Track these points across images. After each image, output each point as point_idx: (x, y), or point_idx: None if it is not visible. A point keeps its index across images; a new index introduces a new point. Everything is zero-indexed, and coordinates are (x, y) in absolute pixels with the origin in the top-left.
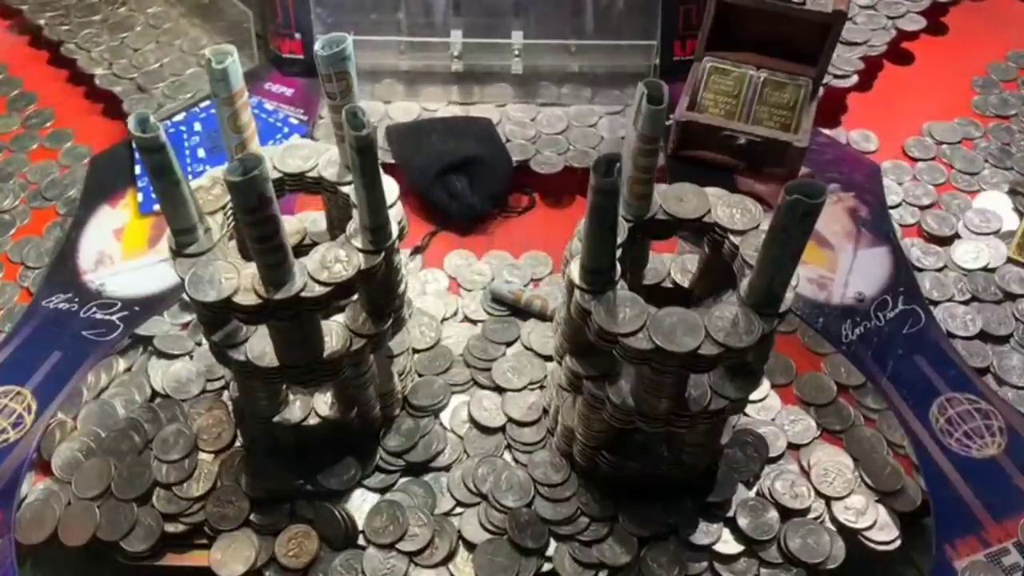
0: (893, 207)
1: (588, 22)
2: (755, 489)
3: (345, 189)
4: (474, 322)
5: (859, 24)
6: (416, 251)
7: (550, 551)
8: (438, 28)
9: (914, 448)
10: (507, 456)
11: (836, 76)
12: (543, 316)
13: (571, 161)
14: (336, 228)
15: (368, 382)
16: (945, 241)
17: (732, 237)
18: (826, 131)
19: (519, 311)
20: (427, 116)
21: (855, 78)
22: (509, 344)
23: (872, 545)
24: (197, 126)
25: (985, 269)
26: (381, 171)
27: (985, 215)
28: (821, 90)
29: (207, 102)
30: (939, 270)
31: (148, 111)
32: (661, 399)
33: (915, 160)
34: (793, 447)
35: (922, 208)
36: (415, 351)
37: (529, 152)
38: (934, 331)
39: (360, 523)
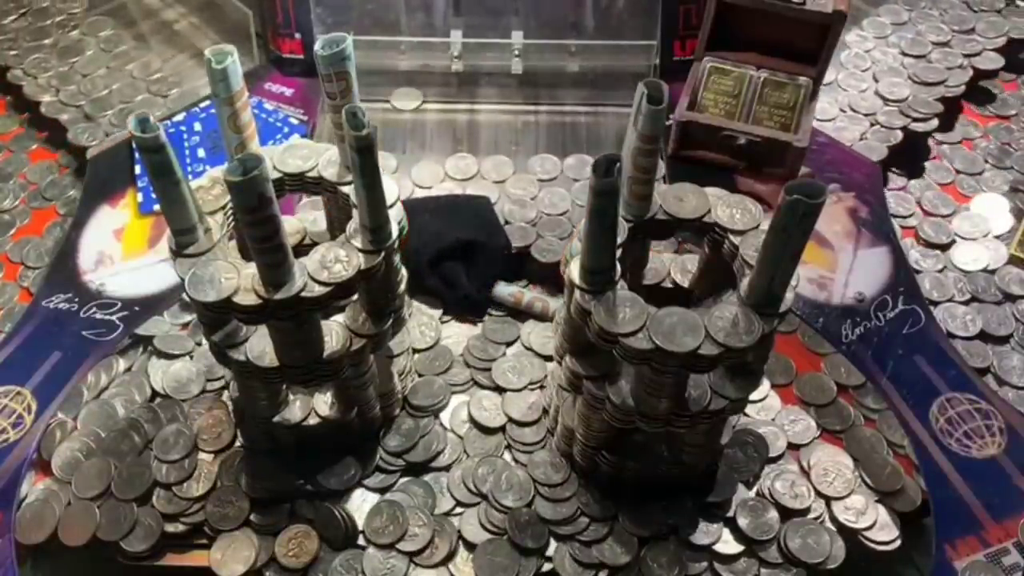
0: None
1: (588, 22)
2: (755, 489)
3: (345, 189)
4: (474, 322)
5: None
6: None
7: (550, 551)
8: (438, 28)
9: (914, 448)
10: (507, 456)
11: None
12: (544, 318)
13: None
14: (336, 228)
15: (368, 382)
16: (944, 247)
17: (732, 237)
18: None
19: (520, 313)
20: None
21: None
22: (509, 344)
23: (872, 545)
24: (197, 126)
25: (985, 271)
26: (381, 171)
27: (974, 220)
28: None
29: (207, 102)
30: (939, 271)
31: (147, 112)
32: (661, 399)
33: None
34: (793, 447)
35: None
36: (415, 351)
37: (530, 237)
38: (934, 331)
39: (360, 523)
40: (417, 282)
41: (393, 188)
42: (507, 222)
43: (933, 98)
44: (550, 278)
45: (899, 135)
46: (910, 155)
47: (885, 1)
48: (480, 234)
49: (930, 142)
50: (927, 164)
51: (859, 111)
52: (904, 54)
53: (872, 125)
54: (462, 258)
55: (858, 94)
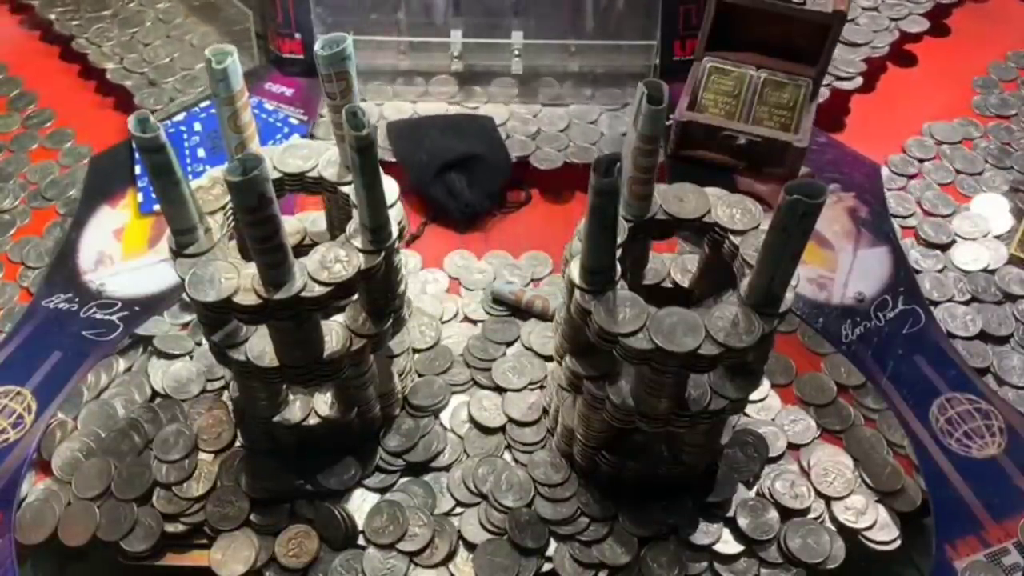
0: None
1: (588, 22)
2: (755, 489)
3: (345, 189)
4: (474, 322)
5: (861, 25)
6: (411, 240)
7: (550, 551)
8: (438, 28)
9: (914, 448)
10: (507, 456)
11: (839, 78)
12: (544, 316)
13: (571, 158)
14: (336, 228)
15: (368, 382)
16: (944, 247)
17: (732, 237)
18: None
19: (520, 311)
20: (427, 114)
21: (859, 80)
22: (509, 344)
23: (872, 545)
24: (197, 126)
25: (985, 271)
26: (381, 171)
27: (974, 220)
28: (825, 92)
29: (207, 102)
30: (939, 271)
31: (147, 112)
32: (661, 399)
33: (920, 160)
34: (793, 447)
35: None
36: (415, 351)
37: (529, 148)
38: (934, 331)
39: (360, 523)
40: (421, 192)
41: (393, 188)
42: (508, 136)
43: (859, 58)
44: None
45: (826, 93)
46: (835, 113)
47: None
48: (483, 148)
49: (930, 142)
50: (927, 164)
51: None
52: None
53: None
54: (466, 170)
55: None
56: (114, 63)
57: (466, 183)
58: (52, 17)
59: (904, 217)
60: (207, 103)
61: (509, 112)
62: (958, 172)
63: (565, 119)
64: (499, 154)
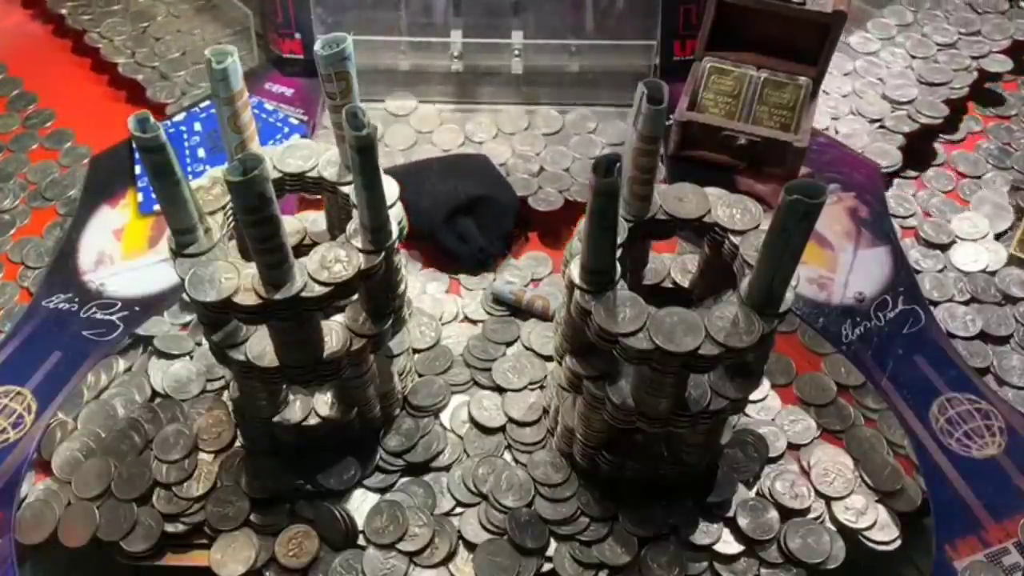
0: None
1: (588, 22)
2: (755, 489)
3: (345, 189)
4: (474, 322)
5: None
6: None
7: (550, 551)
8: (438, 28)
9: (914, 448)
10: (507, 456)
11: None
12: (544, 316)
13: (574, 196)
14: (336, 228)
15: (368, 382)
16: (944, 247)
17: (732, 237)
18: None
19: (520, 311)
20: (424, 155)
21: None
22: (509, 344)
23: (872, 545)
24: (197, 126)
25: (985, 271)
26: (381, 171)
27: (974, 221)
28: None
29: (207, 102)
30: (939, 271)
31: (147, 112)
32: (661, 399)
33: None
34: (793, 447)
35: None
36: (415, 351)
37: (531, 187)
38: (934, 331)
39: (360, 523)
40: (432, 241)
41: (393, 188)
42: (509, 175)
43: (939, 100)
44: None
45: (902, 139)
46: (917, 158)
47: (890, 2)
48: (488, 189)
49: (936, 147)
50: (930, 171)
51: (866, 115)
52: (911, 55)
53: (879, 128)
54: (473, 214)
55: (863, 98)
56: (125, 57)
57: (475, 226)
58: (64, 12)
59: (904, 217)
60: (207, 103)
61: (511, 149)
62: (960, 175)
63: (568, 157)
64: (504, 192)
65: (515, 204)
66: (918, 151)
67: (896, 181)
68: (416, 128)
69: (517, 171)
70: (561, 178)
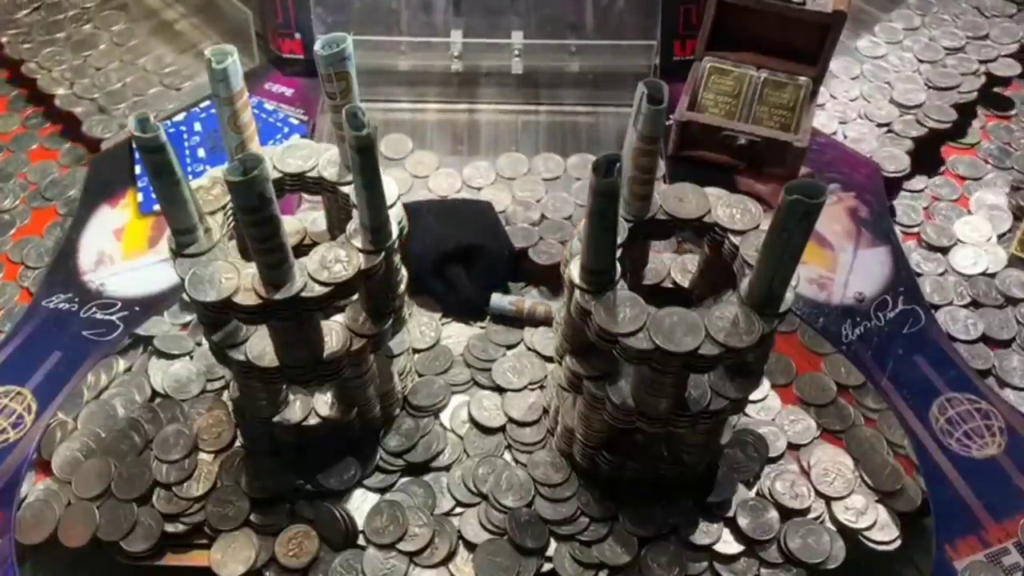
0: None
1: (588, 22)
2: (755, 489)
3: (345, 189)
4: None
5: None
6: None
7: (550, 551)
8: (438, 28)
9: (914, 448)
10: (507, 456)
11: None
12: (547, 322)
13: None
14: (336, 228)
15: (368, 382)
16: (944, 250)
17: (732, 237)
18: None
19: (522, 321)
20: (423, 197)
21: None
22: (510, 346)
23: (872, 545)
24: (197, 126)
25: (985, 274)
26: (381, 171)
27: (974, 222)
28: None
29: (207, 102)
30: (940, 275)
31: (147, 111)
32: (661, 399)
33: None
34: (793, 447)
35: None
36: (415, 351)
37: (532, 238)
38: (934, 331)
39: (360, 523)
40: (418, 285)
41: (393, 188)
42: (508, 224)
43: (948, 104)
44: (548, 280)
45: (910, 143)
46: (926, 162)
47: (897, 6)
48: (483, 238)
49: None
50: (937, 178)
51: (874, 119)
52: (919, 60)
53: (887, 132)
54: (464, 261)
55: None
56: (64, 88)
57: (465, 276)
58: (3, 40)
59: (909, 227)
60: (207, 103)
61: (511, 195)
62: (961, 177)
63: (570, 204)
64: (498, 243)
65: (508, 256)
66: (926, 156)
67: (903, 189)
68: (412, 172)
69: (517, 219)
70: (563, 227)
